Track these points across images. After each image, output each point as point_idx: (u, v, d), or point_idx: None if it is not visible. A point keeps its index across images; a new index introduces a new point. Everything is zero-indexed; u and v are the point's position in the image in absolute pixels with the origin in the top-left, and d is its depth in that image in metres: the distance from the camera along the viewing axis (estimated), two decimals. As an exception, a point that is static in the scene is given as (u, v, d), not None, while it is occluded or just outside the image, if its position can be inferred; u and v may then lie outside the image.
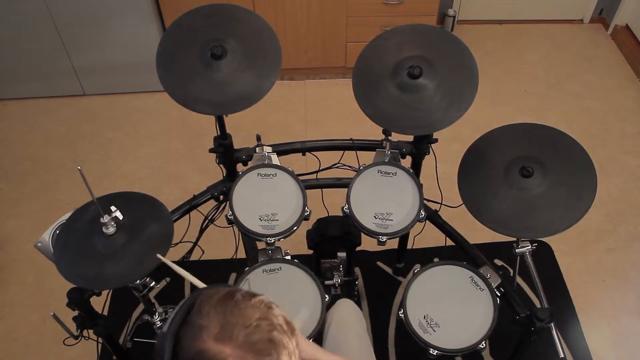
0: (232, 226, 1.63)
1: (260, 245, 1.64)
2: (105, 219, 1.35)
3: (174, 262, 1.29)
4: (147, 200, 1.49)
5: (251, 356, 0.78)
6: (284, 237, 1.59)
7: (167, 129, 3.07)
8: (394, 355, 2.16)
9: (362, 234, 1.66)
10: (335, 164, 1.92)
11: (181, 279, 2.39)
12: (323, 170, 1.93)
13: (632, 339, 2.24)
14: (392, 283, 2.40)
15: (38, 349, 2.22)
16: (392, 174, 1.68)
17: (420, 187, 1.64)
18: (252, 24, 1.66)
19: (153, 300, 1.69)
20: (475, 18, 3.68)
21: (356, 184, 1.66)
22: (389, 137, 1.72)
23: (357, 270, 2.39)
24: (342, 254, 1.94)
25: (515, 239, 1.55)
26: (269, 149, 1.77)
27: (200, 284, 1.10)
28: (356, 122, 2.97)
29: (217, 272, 2.37)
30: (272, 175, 1.68)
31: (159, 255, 1.32)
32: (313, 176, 1.90)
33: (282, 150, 1.82)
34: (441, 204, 1.96)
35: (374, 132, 1.80)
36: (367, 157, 1.78)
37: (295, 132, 3.03)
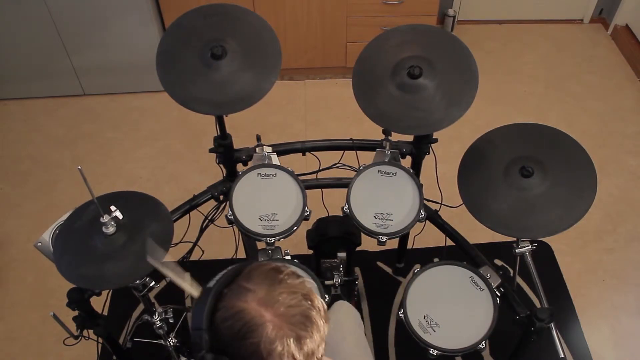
0: (232, 226, 1.63)
1: (260, 245, 1.64)
2: (105, 218, 1.35)
3: (176, 261, 1.26)
4: (147, 200, 1.49)
5: (287, 327, 0.83)
6: (284, 237, 1.59)
7: (167, 129, 3.07)
8: (394, 355, 2.16)
9: (362, 234, 1.66)
10: (335, 164, 1.92)
11: (181, 279, 2.39)
12: (323, 170, 1.93)
13: (632, 339, 2.24)
14: (392, 283, 2.39)
15: (38, 349, 2.22)
16: (392, 174, 1.67)
17: (420, 187, 1.64)
18: (252, 24, 1.66)
19: (153, 300, 1.69)
20: (475, 18, 3.68)
21: (356, 184, 1.65)
22: (389, 137, 1.72)
23: (357, 270, 2.39)
24: (342, 254, 1.94)
25: (515, 239, 1.55)
26: (269, 149, 1.77)
27: (189, 289, 1.09)
28: (356, 122, 2.97)
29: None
30: (272, 175, 1.67)
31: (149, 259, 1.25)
32: (313, 176, 1.90)
33: (282, 150, 1.82)
34: (441, 204, 1.96)
35: (374, 132, 1.80)
36: (367, 157, 1.78)
37: (295, 132, 3.03)
